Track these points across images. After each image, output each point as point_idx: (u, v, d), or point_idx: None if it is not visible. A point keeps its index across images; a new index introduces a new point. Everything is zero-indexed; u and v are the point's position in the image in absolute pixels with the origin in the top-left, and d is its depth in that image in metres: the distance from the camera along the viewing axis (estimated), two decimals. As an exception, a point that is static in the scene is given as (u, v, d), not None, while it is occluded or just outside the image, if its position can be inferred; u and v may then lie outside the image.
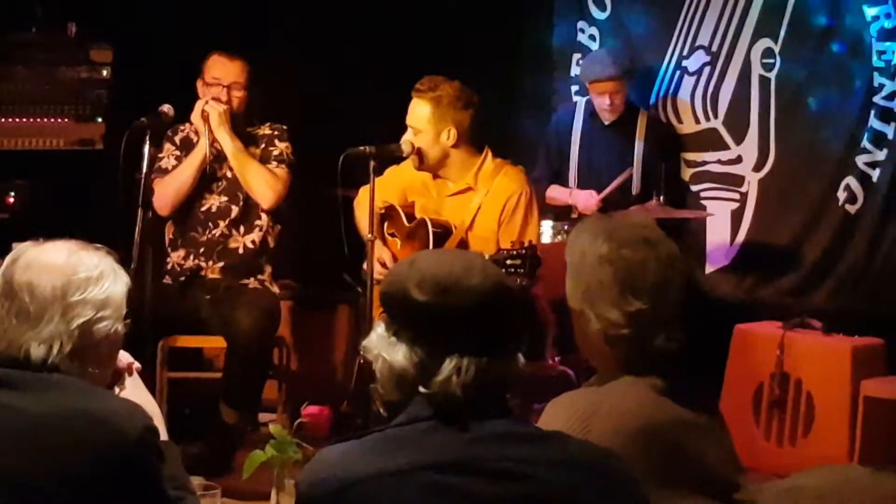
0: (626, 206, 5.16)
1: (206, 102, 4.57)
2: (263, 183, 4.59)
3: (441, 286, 1.87)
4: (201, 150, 4.60)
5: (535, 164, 5.50)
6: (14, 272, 2.14)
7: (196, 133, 4.67)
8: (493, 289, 1.89)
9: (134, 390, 2.42)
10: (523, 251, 3.75)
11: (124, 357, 2.42)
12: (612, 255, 2.23)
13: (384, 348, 1.90)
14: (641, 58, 5.78)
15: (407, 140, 4.34)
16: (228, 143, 4.57)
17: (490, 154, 4.41)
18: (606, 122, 5.50)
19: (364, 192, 4.44)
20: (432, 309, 1.86)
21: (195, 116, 4.59)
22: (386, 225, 4.54)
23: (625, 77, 5.42)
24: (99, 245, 2.24)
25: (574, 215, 5.33)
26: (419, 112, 4.32)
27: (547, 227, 5.27)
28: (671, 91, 5.72)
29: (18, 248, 2.19)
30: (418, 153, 4.34)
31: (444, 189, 4.43)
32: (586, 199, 5.32)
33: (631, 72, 5.51)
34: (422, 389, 1.85)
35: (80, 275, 2.14)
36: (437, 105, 4.28)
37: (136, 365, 2.47)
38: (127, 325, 2.25)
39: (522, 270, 3.64)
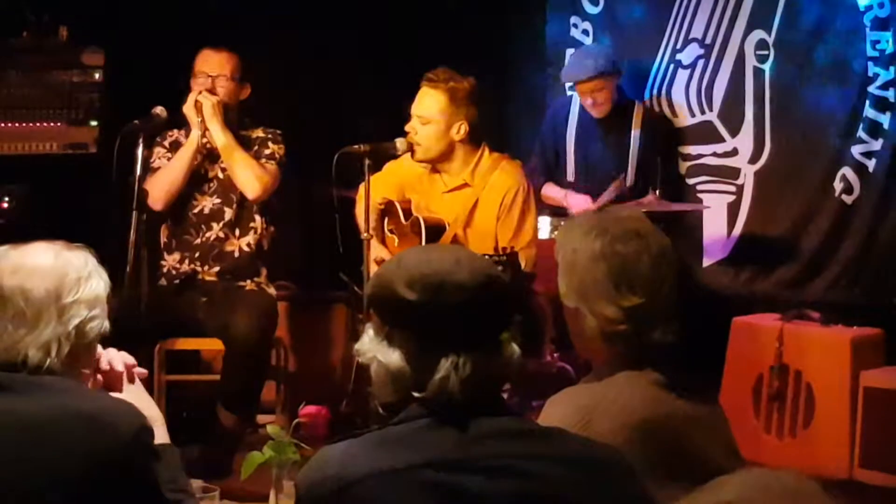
0: (622, 200, 5.14)
1: (200, 93, 4.53)
2: (250, 173, 4.52)
3: (431, 284, 1.85)
4: (193, 142, 4.55)
5: (528, 157, 5.47)
6: (0, 278, 2.12)
7: (186, 137, 4.63)
8: (484, 282, 1.88)
9: (137, 395, 2.37)
10: (504, 257, 3.72)
11: (127, 360, 2.38)
12: (605, 250, 2.22)
13: (378, 350, 1.89)
14: (635, 52, 5.76)
15: (402, 140, 4.31)
16: (220, 136, 4.51)
17: (487, 149, 4.38)
18: (598, 118, 5.47)
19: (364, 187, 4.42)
20: (424, 307, 1.85)
21: (188, 107, 4.52)
22: (386, 221, 4.52)
23: (605, 76, 5.29)
24: (78, 244, 2.22)
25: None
26: (430, 102, 4.25)
27: (545, 222, 5.25)
28: (665, 84, 5.71)
29: None
30: (410, 146, 4.30)
31: (440, 185, 4.41)
32: (581, 205, 5.26)
33: (616, 68, 5.36)
34: (417, 394, 1.84)
35: (70, 275, 2.14)
36: (452, 97, 4.23)
37: (140, 370, 2.42)
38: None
39: None
